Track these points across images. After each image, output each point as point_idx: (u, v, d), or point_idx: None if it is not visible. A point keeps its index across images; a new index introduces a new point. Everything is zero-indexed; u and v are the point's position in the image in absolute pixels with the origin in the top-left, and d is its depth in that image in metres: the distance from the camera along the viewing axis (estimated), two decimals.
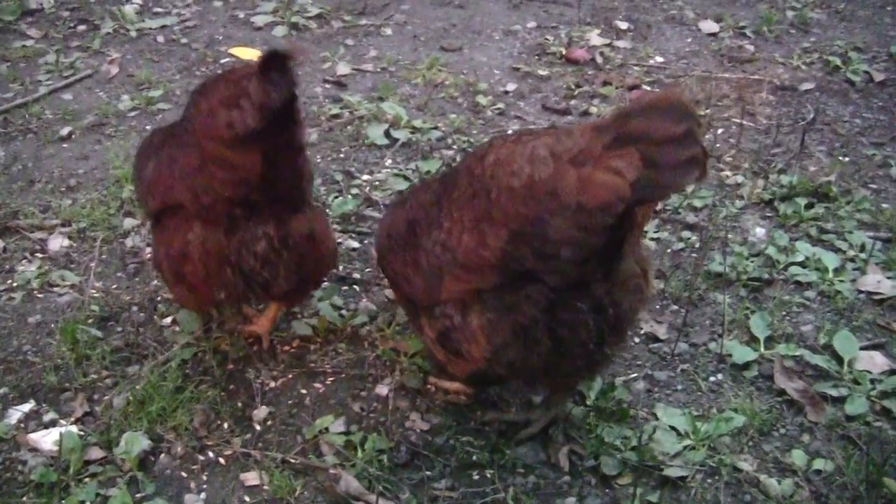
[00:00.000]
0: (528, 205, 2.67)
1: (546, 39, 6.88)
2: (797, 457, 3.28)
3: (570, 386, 3.31)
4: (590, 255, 2.69)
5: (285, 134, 3.07)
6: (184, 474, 3.18)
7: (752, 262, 4.32)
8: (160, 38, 6.73)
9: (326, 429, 3.32)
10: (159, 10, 7.25)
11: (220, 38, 6.75)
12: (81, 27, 6.88)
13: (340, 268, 4.23)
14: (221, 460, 3.23)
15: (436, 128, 5.48)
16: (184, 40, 6.67)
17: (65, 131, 5.37)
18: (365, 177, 5.01)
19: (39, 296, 4.03)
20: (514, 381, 3.40)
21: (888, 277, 4.22)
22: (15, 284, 4.08)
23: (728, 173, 5.10)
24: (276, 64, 2.90)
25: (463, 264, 2.90)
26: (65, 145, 5.27)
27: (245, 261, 3.27)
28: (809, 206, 4.75)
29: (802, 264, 4.32)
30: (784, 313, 4.02)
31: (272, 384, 3.57)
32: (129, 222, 4.48)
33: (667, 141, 2.49)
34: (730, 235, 4.53)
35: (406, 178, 4.92)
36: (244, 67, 3.03)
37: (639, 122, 2.53)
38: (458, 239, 2.89)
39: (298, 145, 3.20)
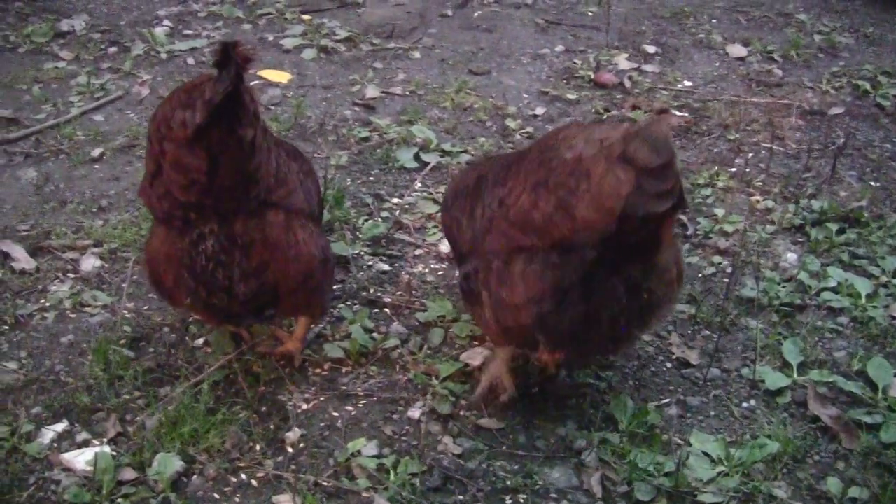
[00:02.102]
0: (572, 176, 2.89)
1: (574, 63, 6.90)
2: (832, 484, 3.24)
3: (590, 359, 3.64)
4: (609, 239, 2.86)
5: (230, 133, 3.01)
6: (216, 496, 3.17)
7: (784, 287, 4.30)
8: (190, 60, 6.78)
9: (359, 452, 3.31)
10: (189, 32, 7.31)
11: (252, 51, 6.76)
12: (112, 49, 6.93)
13: (371, 290, 4.24)
14: (254, 482, 3.23)
15: (465, 151, 5.49)
16: (218, 57, 6.68)
17: (96, 152, 5.40)
18: (395, 200, 5.02)
19: (72, 316, 4.04)
20: (541, 340, 3.29)
21: None
22: (48, 304, 4.09)
23: (759, 198, 5.09)
24: (223, 59, 2.90)
25: (513, 221, 3.13)
26: (96, 166, 5.31)
27: (197, 262, 3.27)
28: (841, 232, 4.73)
29: (835, 290, 4.30)
30: (817, 339, 4.00)
31: (304, 406, 3.57)
32: None
33: (649, 171, 2.70)
34: (761, 260, 4.52)
35: (436, 201, 4.92)
36: (204, 76, 3.05)
37: (634, 146, 2.71)
38: (517, 198, 3.12)
39: (248, 147, 3.09)
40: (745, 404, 3.65)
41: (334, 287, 4.13)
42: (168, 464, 3.19)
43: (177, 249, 3.29)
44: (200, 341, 3.89)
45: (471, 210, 3.42)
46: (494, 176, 3.37)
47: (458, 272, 3.50)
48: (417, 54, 7.05)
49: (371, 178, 5.23)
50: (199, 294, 3.37)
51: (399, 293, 4.24)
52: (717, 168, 5.39)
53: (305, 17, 7.67)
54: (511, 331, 3.26)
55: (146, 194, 3.31)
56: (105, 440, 3.36)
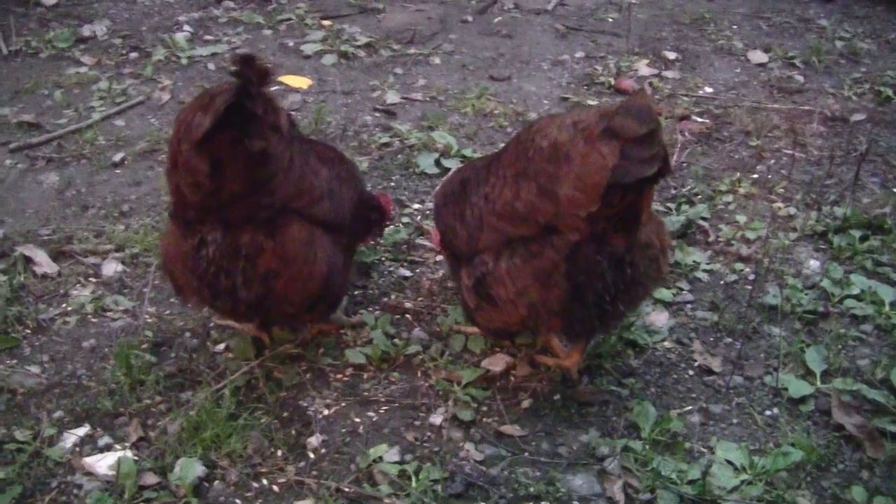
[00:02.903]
0: (550, 162, 3.04)
1: (594, 69, 6.89)
2: (856, 493, 3.22)
3: (585, 336, 3.64)
4: (594, 215, 2.99)
5: (235, 142, 3.02)
6: (238, 501, 3.17)
7: (807, 294, 4.27)
8: (211, 66, 6.80)
9: (380, 458, 3.30)
10: (210, 38, 7.33)
11: (270, 66, 6.78)
12: (133, 54, 6.96)
13: (392, 296, 4.24)
14: (275, 488, 3.22)
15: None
16: (234, 68, 6.69)
17: (117, 157, 5.42)
18: (416, 206, 5.02)
19: (94, 320, 4.05)
20: (535, 326, 3.50)
21: None
22: (69, 309, 4.10)
23: (780, 205, 5.07)
24: (241, 70, 2.97)
25: (499, 214, 3.29)
26: (117, 171, 5.32)
27: (199, 265, 3.29)
28: (864, 239, 4.70)
29: (858, 297, 4.27)
30: (840, 347, 3.97)
31: (326, 412, 3.56)
32: None
33: (635, 140, 2.83)
34: (783, 268, 4.49)
35: None
36: (229, 83, 3.07)
37: (619, 120, 2.85)
38: (500, 192, 3.29)
39: (259, 158, 3.10)
40: (768, 412, 3.63)
41: (355, 291, 4.14)
42: (190, 469, 3.20)
43: (182, 251, 3.33)
44: (221, 346, 3.89)
45: (461, 214, 3.51)
46: (477, 176, 3.50)
47: (460, 278, 3.55)
48: (438, 60, 7.05)
49: (392, 184, 5.23)
50: (204, 294, 3.41)
51: (420, 299, 4.24)
52: (738, 175, 5.37)
53: (326, 22, 7.69)
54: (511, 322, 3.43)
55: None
56: (127, 445, 3.37)
